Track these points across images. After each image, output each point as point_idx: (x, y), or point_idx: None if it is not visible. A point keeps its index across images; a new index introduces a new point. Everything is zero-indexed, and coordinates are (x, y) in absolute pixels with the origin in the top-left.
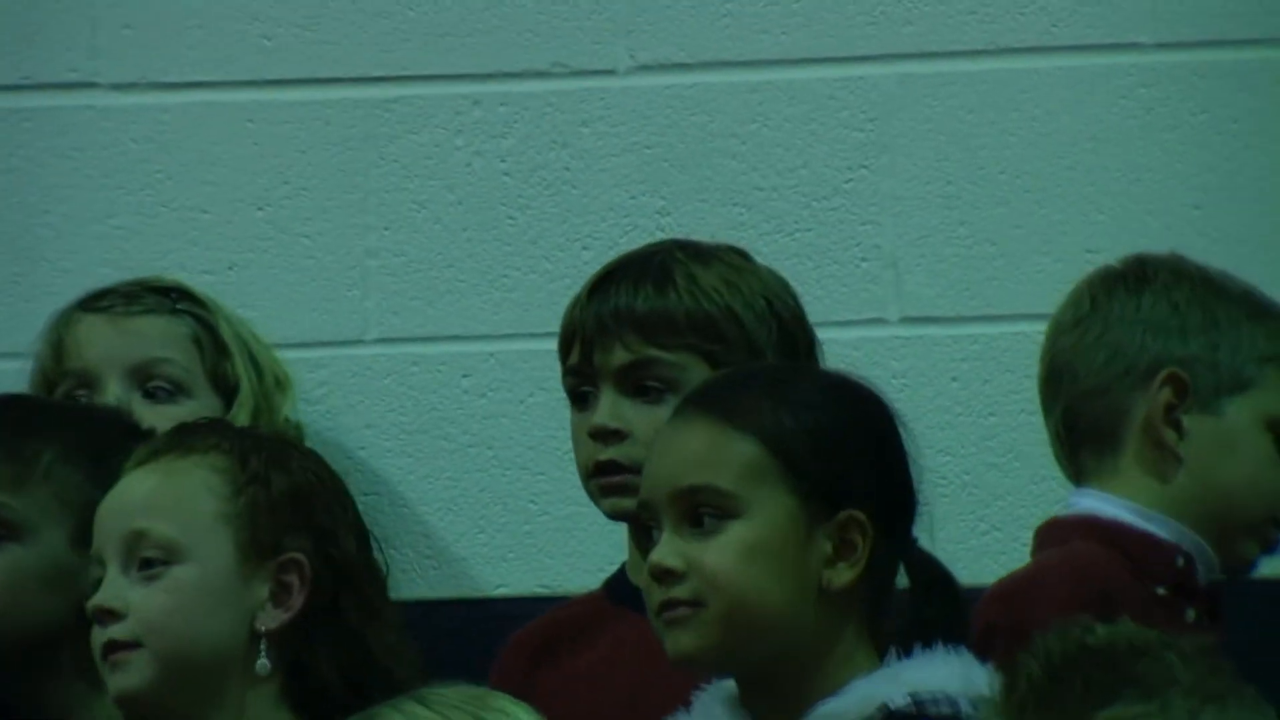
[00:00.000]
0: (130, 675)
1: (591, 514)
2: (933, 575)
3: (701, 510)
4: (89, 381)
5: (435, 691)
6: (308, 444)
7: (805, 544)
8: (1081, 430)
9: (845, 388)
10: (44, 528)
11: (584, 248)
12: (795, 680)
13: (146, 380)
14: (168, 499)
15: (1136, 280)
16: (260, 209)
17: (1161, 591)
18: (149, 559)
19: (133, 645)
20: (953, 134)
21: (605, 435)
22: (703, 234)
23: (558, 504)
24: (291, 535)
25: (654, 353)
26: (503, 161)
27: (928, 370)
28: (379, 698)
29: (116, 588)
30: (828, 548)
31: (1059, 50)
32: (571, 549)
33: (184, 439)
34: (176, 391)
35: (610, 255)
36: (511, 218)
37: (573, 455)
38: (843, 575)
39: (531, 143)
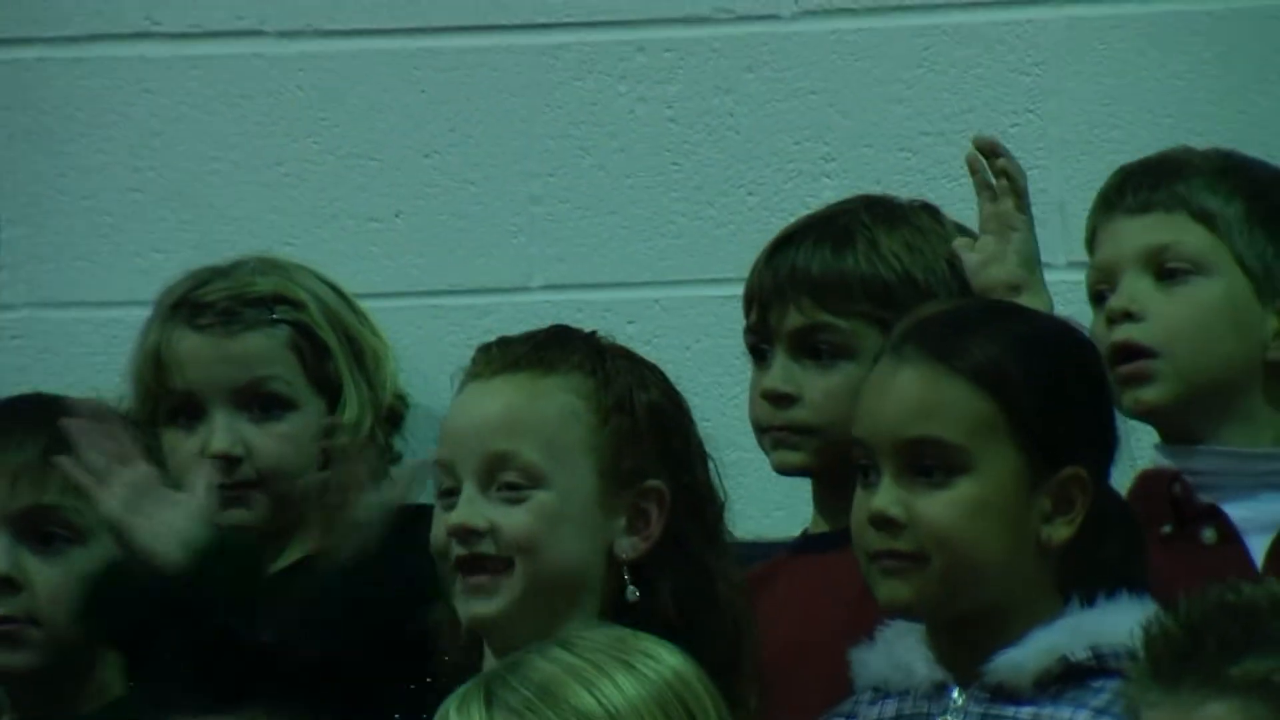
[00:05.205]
0: (492, 602)
1: (757, 460)
2: (1113, 513)
3: (928, 461)
4: (192, 405)
5: (580, 635)
6: None
7: (1028, 501)
8: None
9: (1065, 334)
10: (101, 534)
11: (749, 194)
12: (987, 626)
13: (250, 399)
14: (532, 422)
15: None
16: (426, 156)
17: (1167, 529)
18: (511, 482)
19: (502, 565)
20: (1121, 78)
21: (776, 399)
22: (867, 179)
23: (724, 449)
24: (651, 463)
25: (826, 318)
26: (668, 108)
27: None
28: (709, 632)
29: (477, 505)
30: (1046, 504)
31: None
32: (738, 494)
33: (543, 354)
34: (281, 407)
35: (775, 201)
36: (676, 164)
37: (739, 401)
38: (1060, 532)
39: (696, 88)
